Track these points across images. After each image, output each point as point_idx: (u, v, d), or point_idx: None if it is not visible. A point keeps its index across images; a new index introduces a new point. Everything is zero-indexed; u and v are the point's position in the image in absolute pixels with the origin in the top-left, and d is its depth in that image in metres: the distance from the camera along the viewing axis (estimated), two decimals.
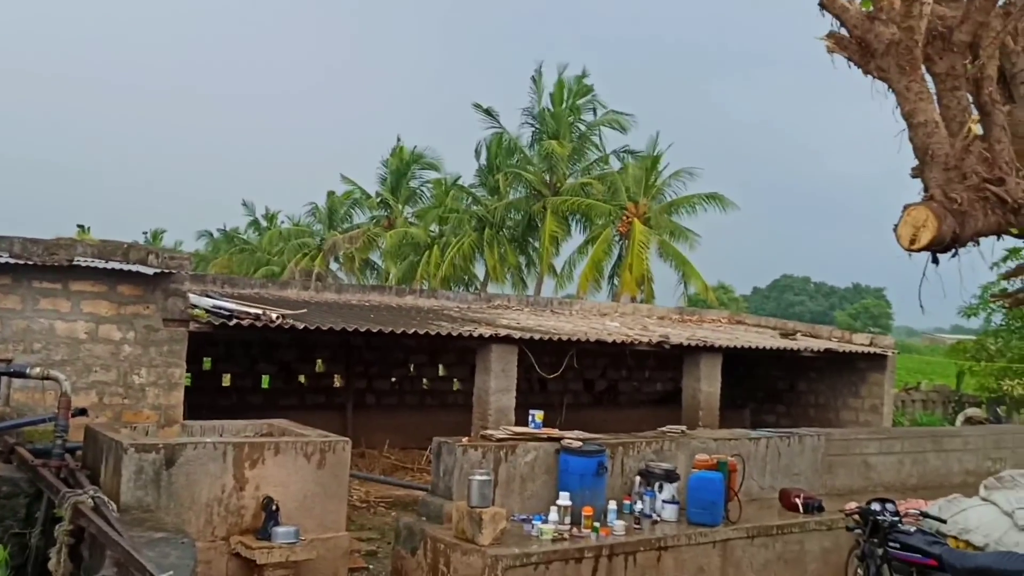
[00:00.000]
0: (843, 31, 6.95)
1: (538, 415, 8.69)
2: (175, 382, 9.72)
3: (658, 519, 8.19)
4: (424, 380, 17.43)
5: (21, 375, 7.74)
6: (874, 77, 6.77)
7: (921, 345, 63.99)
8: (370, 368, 16.47)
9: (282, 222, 48.76)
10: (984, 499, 7.98)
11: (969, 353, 24.70)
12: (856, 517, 7.66)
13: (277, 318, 10.79)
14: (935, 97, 6.78)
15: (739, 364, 17.04)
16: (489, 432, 8.61)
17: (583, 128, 34.75)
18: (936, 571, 6.91)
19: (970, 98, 6.96)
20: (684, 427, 10.03)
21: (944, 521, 7.73)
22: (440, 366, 17.57)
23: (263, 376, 15.93)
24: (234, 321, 10.37)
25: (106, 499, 5.88)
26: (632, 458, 8.69)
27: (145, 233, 51.01)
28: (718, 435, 10.01)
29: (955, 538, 7.62)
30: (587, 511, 7.63)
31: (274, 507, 7.03)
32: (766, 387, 19.11)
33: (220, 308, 10.72)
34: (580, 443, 8.16)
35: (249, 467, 7.13)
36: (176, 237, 56.61)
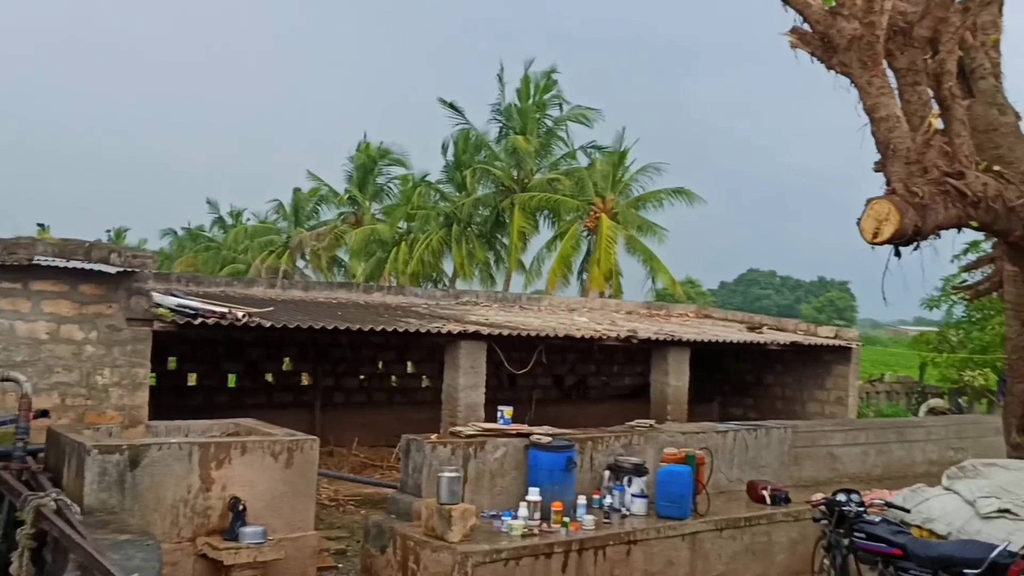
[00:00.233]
0: (806, 27, 7.02)
1: (507, 411, 8.69)
2: (139, 382, 9.58)
3: (627, 513, 8.22)
4: (393, 377, 17.36)
5: None
6: (837, 72, 6.85)
7: (885, 337, 64.91)
8: (338, 366, 16.38)
9: (248, 220, 48.39)
10: (947, 488, 8.09)
11: (931, 344, 25.03)
12: (822, 508, 7.75)
13: (243, 316, 10.68)
14: (896, 92, 6.87)
15: (707, 358, 17.15)
16: (458, 429, 8.60)
17: (550, 124, 34.79)
18: (901, 560, 7.00)
19: (930, 93, 7.05)
20: (653, 421, 10.09)
21: (908, 511, 7.83)
22: (409, 363, 17.51)
23: (229, 375, 15.78)
24: (199, 320, 10.26)
25: (69, 502, 5.79)
26: (601, 453, 8.72)
27: (108, 231, 50.26)
28: (686, 428, 10.08)
29: (919, 527, 7.72)
30: (556, 506, 7.65)
31: (241, 507, 6.96)
32: (733, 380, 19.27)
33: (185, 307, 10.60)
34: (549, 439, 8.17)
35: (215, 467, 7.06)
36: (140, 235, 55.99)
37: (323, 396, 15.97)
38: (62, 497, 5.79)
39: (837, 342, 16.97)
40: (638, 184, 34.02)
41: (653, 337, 14.35)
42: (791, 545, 8.99)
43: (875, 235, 6.34)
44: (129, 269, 9.30)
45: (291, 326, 11.02)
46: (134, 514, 6.59)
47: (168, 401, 13.32)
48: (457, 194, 35.71)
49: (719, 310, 21.95)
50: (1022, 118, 8.27)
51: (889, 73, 6.77)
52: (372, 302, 15.41)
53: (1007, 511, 7.41)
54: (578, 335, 13.71)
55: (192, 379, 15.40)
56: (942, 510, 7.75)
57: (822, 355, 17.24)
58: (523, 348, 13.88)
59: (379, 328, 11.71)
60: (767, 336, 16.59)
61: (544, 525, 7.52)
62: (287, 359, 16.36)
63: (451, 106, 34.71)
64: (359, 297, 15.68)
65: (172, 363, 15.11)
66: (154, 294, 10.09)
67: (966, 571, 6.53)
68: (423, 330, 12.00)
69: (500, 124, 34.95)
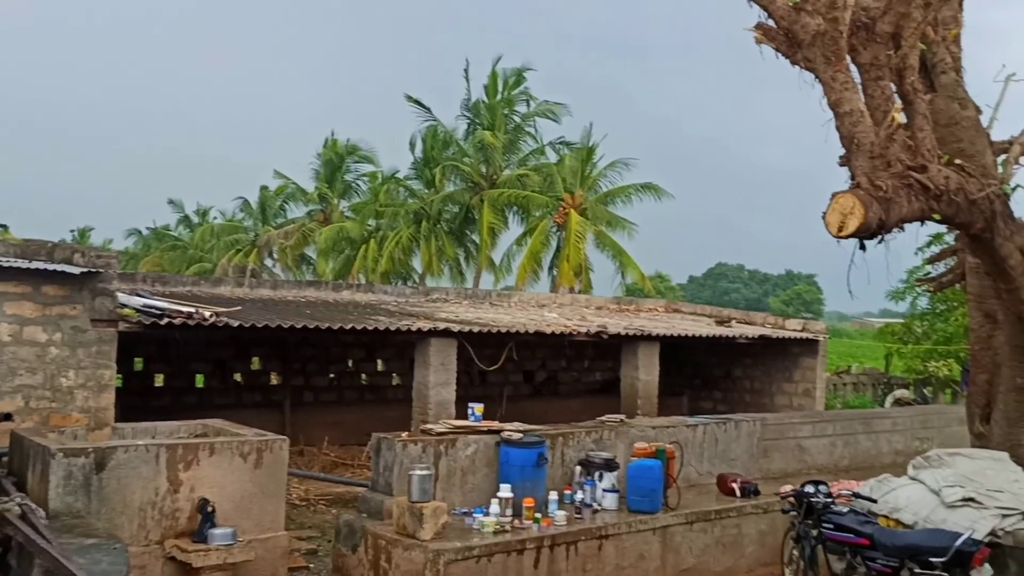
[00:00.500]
0: (771, 22, 7.07)
1: (478, 408, 8.69)
2: (105, 384, 9.46)
3: (599, 508, 8.26)
4: (363, 376, 17.27)
5: None
6: (801, 67, 6.91)
7: (852, 329, 65.60)
8: (307, 365, 16.27)
9: (214, 218, 47.91)
10: (912, 478, 8.21)
11: (897, 336, 25.35)
12: (791, 500, 7.84)
13: (211, 316, 10.58)
14: (860, 87, 6.94)
15: (676, 352, 17.25)
16: (429, 426, 8.59)
17: (518, 120, 34.75)
18: (868, 550, 7.11)
19: (893, 88, 7.13)
20: (623, 416, 10.12)
21: (875, 501, 7.94)
22: (379, 361, 17.43)
23: (197, 375, 15.62)
24: (166, 320, 10.15)
25: (34, 506, 5.73)
26: (572, 448, 8.75)
27: (72, 232, 49.49)
28: (656, 423, 10.13)
29: (886, 517, 7.82)
30: (528, 502, 7.67)
31: (210, 509, 6.90)
32: (703, 374, 19.39)
33: (151, 307, 10.47)
34: (520, 435, 8.18)
35: (183, 469, 7.00)
36: (105, 235, 55.24)
37: (293, 395, 15.85)
38: (27, 501, 5.73)
39: (804, 335, 17.13)
40: (607, 180, 34.09)
41: (623, 332, 14.40)
42: (761, 537, 9.07)
43: (840, 229, 6.41)
44: (93, 269, 9.18)
45: (260, 325, 10.93)
46: (101, 518, 6.51)
47: (135, 403, 13.16)
48: (426, 191, 35.57)
49: (688, 304, 22.08)
50: (982, 112, 8.40)
51: (853, 68, 6.84)
52: (341, 300, 15.33)
53: (971, 500, 7.53)
54: (548, 331, 13.73)
55: (159, 380, 15.23)
56: (908, 500, 7.87)
57: (790, 348, 17.40)
58: (493, 345, 13.88)
59: (349, 327, 11.65)
60: (736, 330, 16.71)
61: (516, 521, 7.54)
62: (256, 358, 16.22)
63: (417, 103, 34.55)
64: (328, 295, 15.59)
65: (139, 364, 14.92)
66: (119, 294, 9.97)
67: (932, 559, 6.64)
68: (393, 328, 11.96)
69: (468, 120, 34.86)
